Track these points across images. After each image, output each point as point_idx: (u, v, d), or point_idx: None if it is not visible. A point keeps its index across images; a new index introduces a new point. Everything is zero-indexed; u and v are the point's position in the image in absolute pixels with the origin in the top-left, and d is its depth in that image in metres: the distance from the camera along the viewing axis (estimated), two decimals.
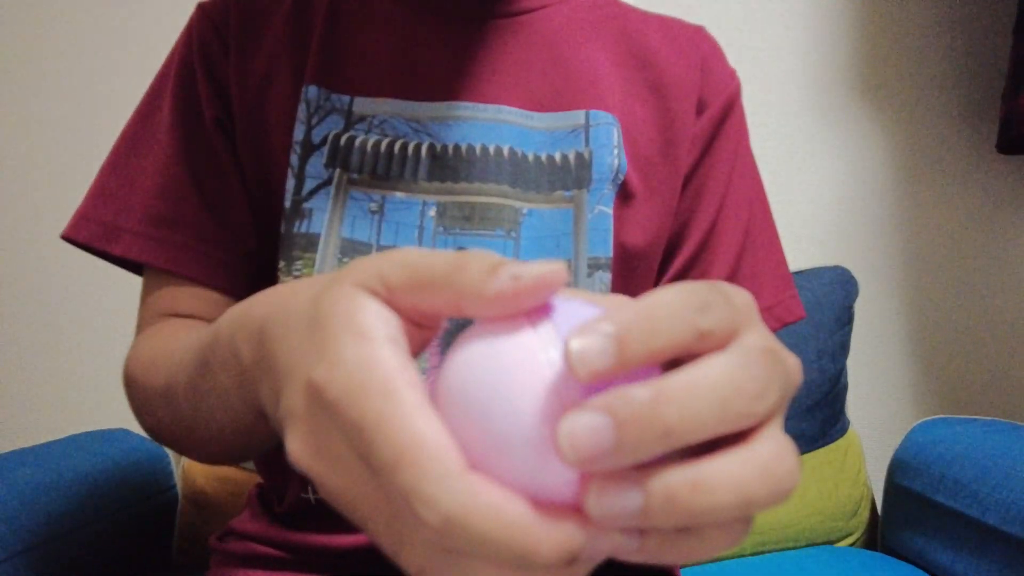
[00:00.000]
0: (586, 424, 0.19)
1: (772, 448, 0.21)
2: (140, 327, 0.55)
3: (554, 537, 0.20)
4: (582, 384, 0.21)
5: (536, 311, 0.23)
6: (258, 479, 0.74)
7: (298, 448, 0.24)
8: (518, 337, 0.22)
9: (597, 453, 0.19)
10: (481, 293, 0.22)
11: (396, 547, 0.22)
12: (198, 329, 0.44)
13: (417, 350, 0.26)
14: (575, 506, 0.20)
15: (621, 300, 0.25)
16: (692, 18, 0.64)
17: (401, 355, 0.23)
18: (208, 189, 0.55)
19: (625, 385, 0.20)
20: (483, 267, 0.22)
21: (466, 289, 0.22)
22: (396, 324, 0.24)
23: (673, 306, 0.21)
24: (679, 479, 0.20)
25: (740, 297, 0.24)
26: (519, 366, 0.21)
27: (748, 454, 0.21)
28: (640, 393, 0.19)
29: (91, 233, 0.54)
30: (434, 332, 0.26)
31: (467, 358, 0.22)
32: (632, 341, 0.20)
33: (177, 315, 0.54)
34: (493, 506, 0.20)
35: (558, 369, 0.21)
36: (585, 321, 0.20)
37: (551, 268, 0.22)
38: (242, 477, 0.93)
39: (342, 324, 0.23)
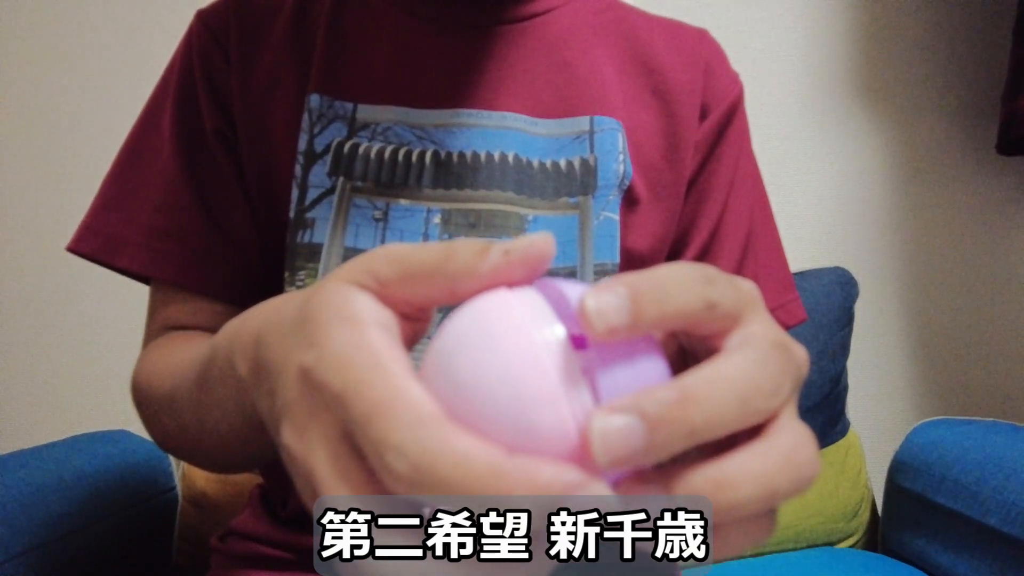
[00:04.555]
0: (619, 426, 0.19)
1: (791, 438, 0.21)
2: (146, 339, 0.55)
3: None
4: (570, 349, 0.21)
5: (518, 285, 0.23)
6: (259, 480, 0.74)
7: (289, 434, 0.24)
8: (502, 306, 0.22)
9: (629, 454, 0.19)
10: (475, 273, 0.23)
11: None
12: (200, 342, 0.44)
13: (409, 344, 0.26)
14: None
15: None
16: (692, 20, 0.64)
17: (389, 338, 0.23)
18: (210, 201, 0.54)
19: (650, 386, 0.20)
20: (472, 250, 0.23)
21: (459, 273, 0.23)
22: (386, 313, 0.24)
23: (682, 275, 0.21)
24: (703, 479, 0.20)
25: (745, 284, 0.24)
26: (505, 333, 0.21)
27: (767, 447, 0.21)
28: (667, 394, 0.20)
29: (95, 246, 0.54)
30: (424, 325, 0.26)
31: (453, 331, 0.22)
32: (646, 302, 0.20)
33: (183, 327, 0.54)
34: (463, 452, 0.19)
35: (546, 336, 0.21)
36: (575, 291, 0.21)
37: (540, 237, 0.22)
38: (242, 478, 0.93)
39: (331, 313, 0.23)
